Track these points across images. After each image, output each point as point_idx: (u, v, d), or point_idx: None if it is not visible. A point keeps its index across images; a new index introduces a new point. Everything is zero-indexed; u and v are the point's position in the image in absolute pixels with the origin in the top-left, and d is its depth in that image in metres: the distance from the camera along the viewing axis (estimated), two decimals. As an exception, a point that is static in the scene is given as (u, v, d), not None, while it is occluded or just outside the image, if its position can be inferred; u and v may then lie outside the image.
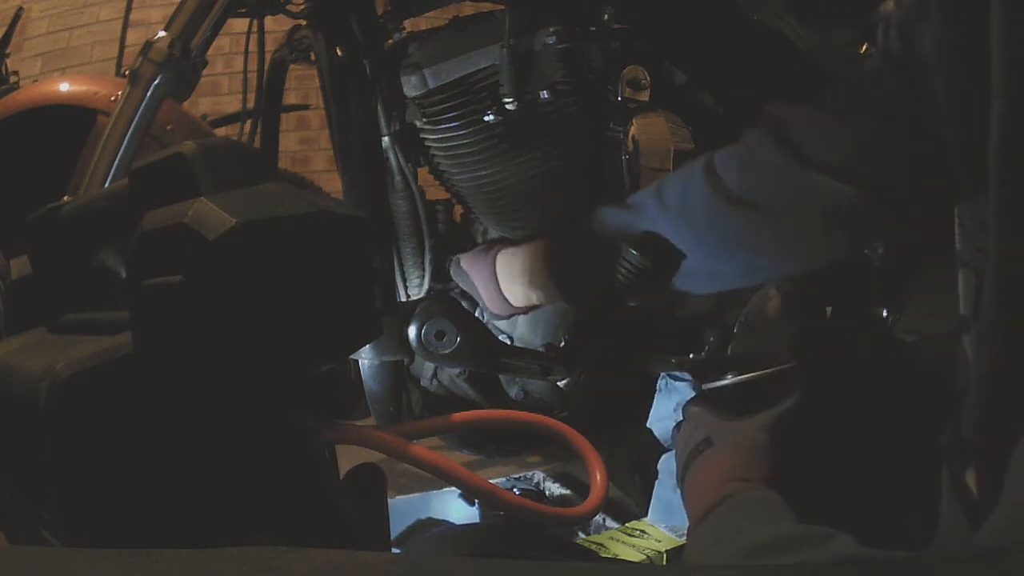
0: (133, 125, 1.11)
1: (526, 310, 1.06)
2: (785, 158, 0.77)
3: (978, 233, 0.53)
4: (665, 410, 0.85)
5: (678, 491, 0.78)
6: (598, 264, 0.91)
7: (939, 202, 0.70)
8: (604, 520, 1.05)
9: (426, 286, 1.08)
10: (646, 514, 0.95)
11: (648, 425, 0.87)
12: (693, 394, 0.83)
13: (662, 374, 0.87)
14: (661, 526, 0.91)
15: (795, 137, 0.77)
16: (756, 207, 0.80)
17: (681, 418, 0.82)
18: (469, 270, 1.05)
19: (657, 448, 0.88)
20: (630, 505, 1.08)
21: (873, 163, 0.74)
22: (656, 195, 0.88)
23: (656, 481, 0.85)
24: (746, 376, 0.79)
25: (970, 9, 0.52)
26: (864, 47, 1.21)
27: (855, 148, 0.75)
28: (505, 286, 1.01)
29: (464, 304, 1.09)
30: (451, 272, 1.09)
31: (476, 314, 1.09)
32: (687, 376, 0.85)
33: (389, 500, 0.44)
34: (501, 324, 1.12)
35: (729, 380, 0.79)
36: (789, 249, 0.83)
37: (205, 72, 1.18)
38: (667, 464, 0.84)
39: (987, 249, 0.49)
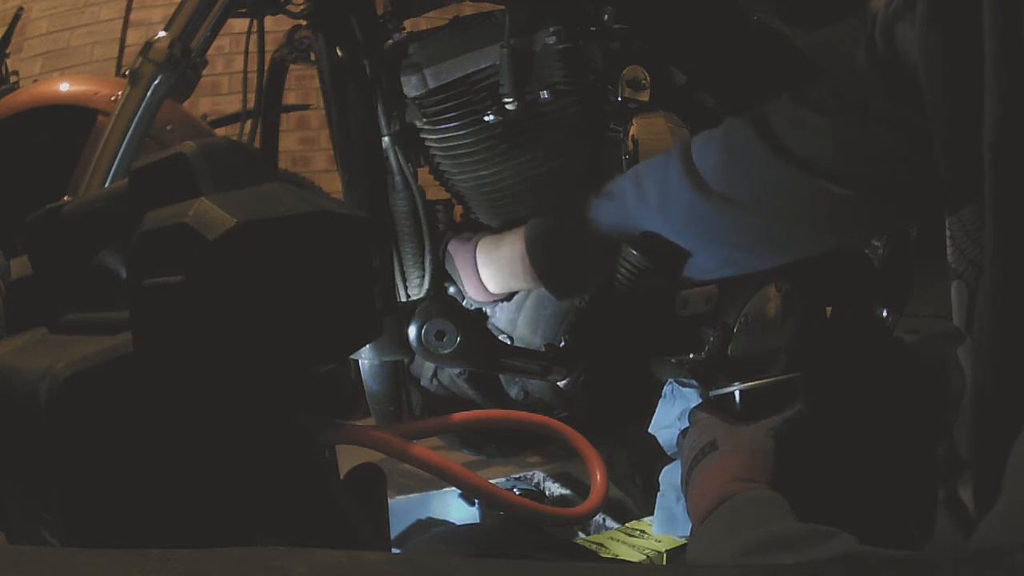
0: (133, 125, 1.11)
1: (505, 297, 1.07)
2: (765, 152, 0.78)
3: (969, 245, 0.53)
4: (669, 417, 0.85)
5: (681, 502, 0.78)
6: (588, 257, 0.92)
7: (925, 203, 0.70)
8: (604, 520, 1.05)
9: (426, 286, 1.08)
10: (646, 515, 0.94)
11: (651, 431, 0.87)
12: (699, 401, 0.83)
13: (669, 380, 0.87)
14: None
15: (776, 131, 0.78)
16: (733, 200, 0.80)
17: (686, 425, 0.82)
18: (454, 254, 1.06)
19: (658, 452, 0.88)
20: (630, 505, 1.08)
21: (854, 160, 0.74)
22: (635, 183, 0.88)
23: (659, 493, 0.84)
24: (753, 383, 0.79)
25: (957, 10, 0.51)
26: (864, 47, 1.21)
27: (836, 145, 0.75)
28: (484, 273, 1.02)
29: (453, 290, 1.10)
30: (443, 256, 1.09)
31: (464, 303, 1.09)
32: (694, 383, 0.85)
33: (389, 500, 0.44)
34: (501, 324, 1.12)
35: (736, 387, 0.79)
36: (766, 242, 0.84)
37: (205, 72, 1.18)
38: (669, 476, 0.83)
39: (983, 254, 0.49)
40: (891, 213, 0.81)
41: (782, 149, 0.77)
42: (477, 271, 1.04)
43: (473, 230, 1.15)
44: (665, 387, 0.87)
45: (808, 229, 0.82)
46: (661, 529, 0.85)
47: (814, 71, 1.16)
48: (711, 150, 0.83)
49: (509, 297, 1.09)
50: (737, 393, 0.79)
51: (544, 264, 0.96)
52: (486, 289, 1.04)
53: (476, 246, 1.05)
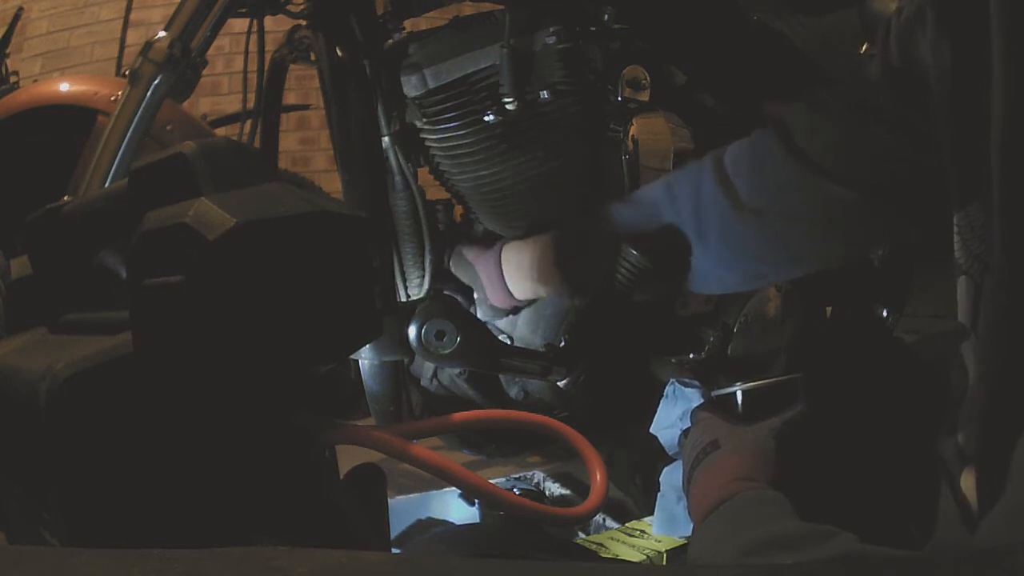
0: (133, 125, 1.11)
1: (527, 304, 1.06)
2: (790, 163, 0.78)
3: (975, 241, 0.53)
4: (671, 417, 0.85)
5: (682, 502, 0.78)
6: (600, 259, 0.92)
7: (937, 208, 0.70)
8: (604, 520, 1.05)
9: (426, 286, 1.08)
10: (646, 515, 0.94)
11: (652, 431, 0.87)
12: (701, 401, 0.83)
13: (671, 380, 0.87)
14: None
15: (798, 142, 0.78)
16: (763, 213, 0.80)
17: (688, 425, 0.82)
18: (474, 261, 1.06)
19: (659, 452, 0.88)
20: (630, 505, 1.08)
21: (872, 168, 0.75)
22: (667, 194, 0.88)
23: (659, 494, 0.84)
24: (754, 384, 0.79)
25: (966, 16, 0.52)
26: (864, 47, 1.21)
27: (856, 153, 0.75)
28: (509, 277, 1.02)
29: (461, 299, 1.09)
30: (451, 263, 1.09)
31: (473, 311, 1.09)
32: (696, 383, 0.85)
33: (389, 500, 0.44)
34: (501, 324, 1.12)
35: (738, 387, 0.79)
36: (793, 255, 0.84)
37: (205, 72, 1.18)
38: (669, 476, 0.84)
39: (988, 251, 0.49)
40: (904, 224, 0.81)
41: (801, 155, 0.77)
42: (501, 277, 1.03)
43: (473, 229, 1.15)
44: (667, 387, 0.87)
45: (829, 237, 0.82)
46: (661, 529, 0.85)
47: (815, 71, 1.16)
48: (741, 162, 0.83)
49: (528, 304, 1.08)
50: (739, 393, 0.79)
51: (571, 269, 0.96)
52: (511, 295, 1.04)
53: (500, 252, 1.04)
